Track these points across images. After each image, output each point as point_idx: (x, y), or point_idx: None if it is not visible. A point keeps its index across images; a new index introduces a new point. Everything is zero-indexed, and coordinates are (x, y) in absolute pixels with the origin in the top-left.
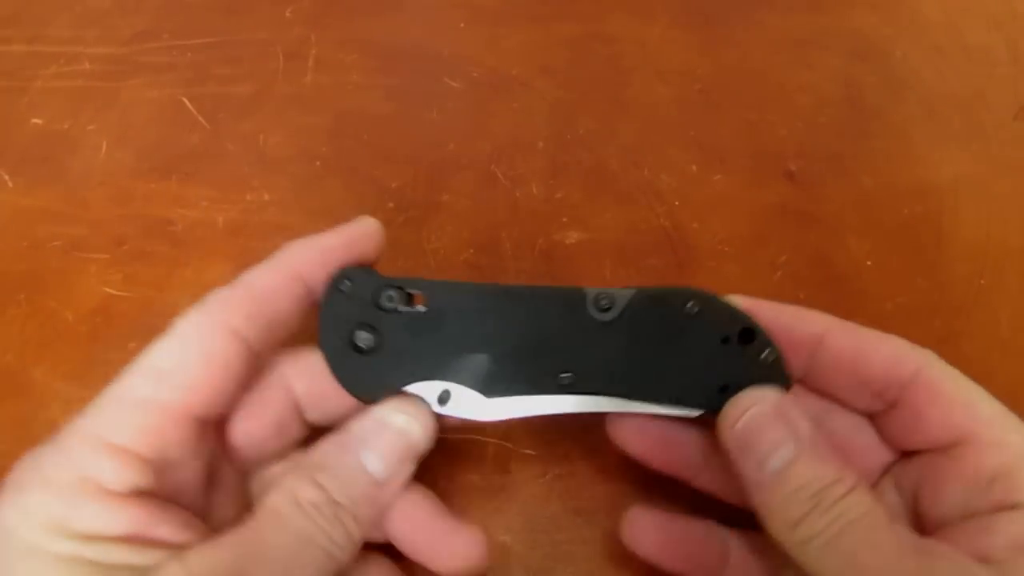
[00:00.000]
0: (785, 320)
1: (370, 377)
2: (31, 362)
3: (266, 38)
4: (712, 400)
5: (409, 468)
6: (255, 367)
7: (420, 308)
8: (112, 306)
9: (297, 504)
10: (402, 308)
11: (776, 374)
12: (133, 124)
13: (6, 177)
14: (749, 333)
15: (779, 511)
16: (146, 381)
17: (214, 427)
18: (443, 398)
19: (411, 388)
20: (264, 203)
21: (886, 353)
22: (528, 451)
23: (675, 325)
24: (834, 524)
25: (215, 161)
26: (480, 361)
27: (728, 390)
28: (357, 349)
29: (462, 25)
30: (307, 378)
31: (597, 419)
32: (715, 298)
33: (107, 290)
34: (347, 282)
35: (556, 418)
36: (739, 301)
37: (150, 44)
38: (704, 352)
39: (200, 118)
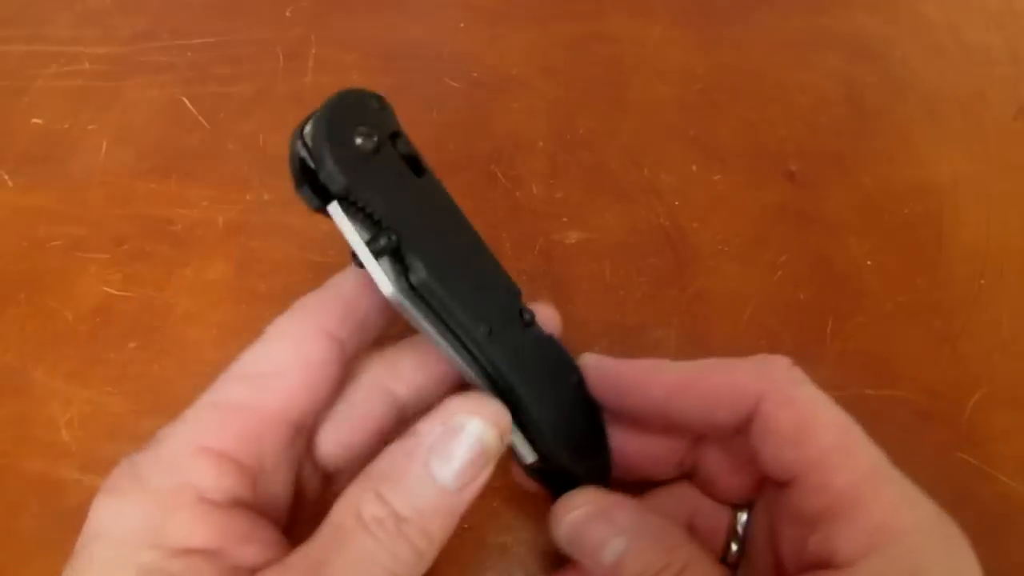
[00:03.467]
0: (633, 378)
1: (348, 175)
2: (31, 362)
3: (266, 38)
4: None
5: (485, 475)
6: (348, 371)
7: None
8: (112, 306)
9: (359, 519)
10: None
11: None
12: (133, 124)
13: (6, 177)
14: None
15: None
16: (243, 386)
17: (304, 435)
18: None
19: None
20: (264, 203)
21: (730, 394)
22: None
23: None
24: None
25: (215, 161)
26: (437, 248)
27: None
28: (351, 146)
29: (462, 25)
30: (405, 380)
31: None
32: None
33: (107, 290)
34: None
35: None
36: (594, 360)
37: (150, 44)
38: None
39: (200, 118)
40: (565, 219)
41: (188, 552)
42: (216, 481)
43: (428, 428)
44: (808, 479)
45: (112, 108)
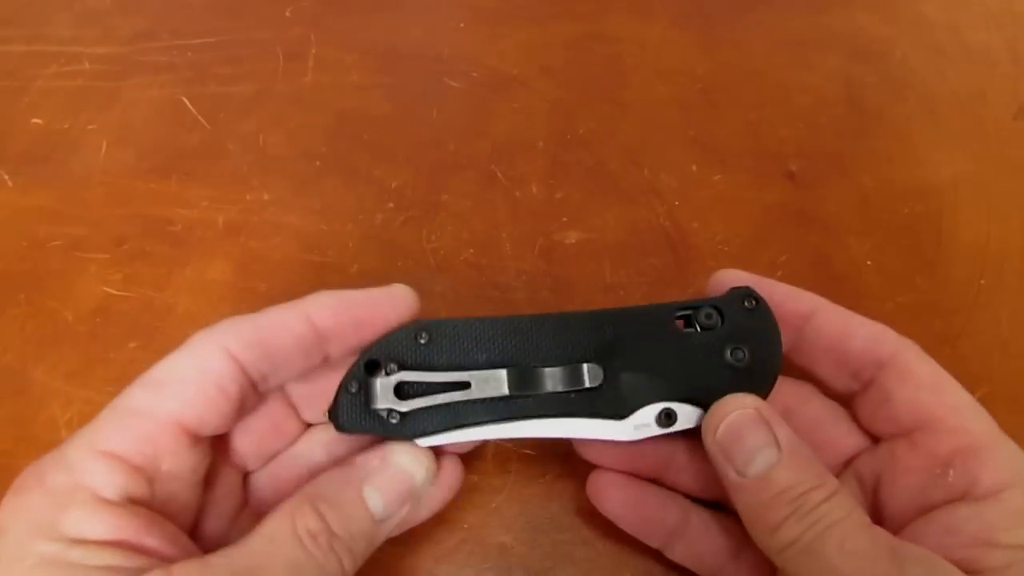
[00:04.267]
0: (777, 297)
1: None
2: (31, 362)
3: (266, 38)
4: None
5: (404, 511)
6: (254, 394)
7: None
8: (112, 306)
9: (293, 531)
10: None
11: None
12: (133, 124)
13: (6, 177)
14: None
15: (759, 516)
16: (143, 393)
17: (211, 444)
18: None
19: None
20: (264, 203)
21: (868, 333)
22: (528, 451)
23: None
24: (811, 530)
25: (215, 161)
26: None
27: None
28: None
29: (462, 25)
30: (302, 382)
31: None
32: None
33: (107, 290)
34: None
35: None
36: (737, 275)
37: (150, 44)
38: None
39: (200, 118)
40: (565, 219)
41: (85, 542)
42: (109, 480)
43: (365, 460)
44: (946, 422)
45: (112, 108)
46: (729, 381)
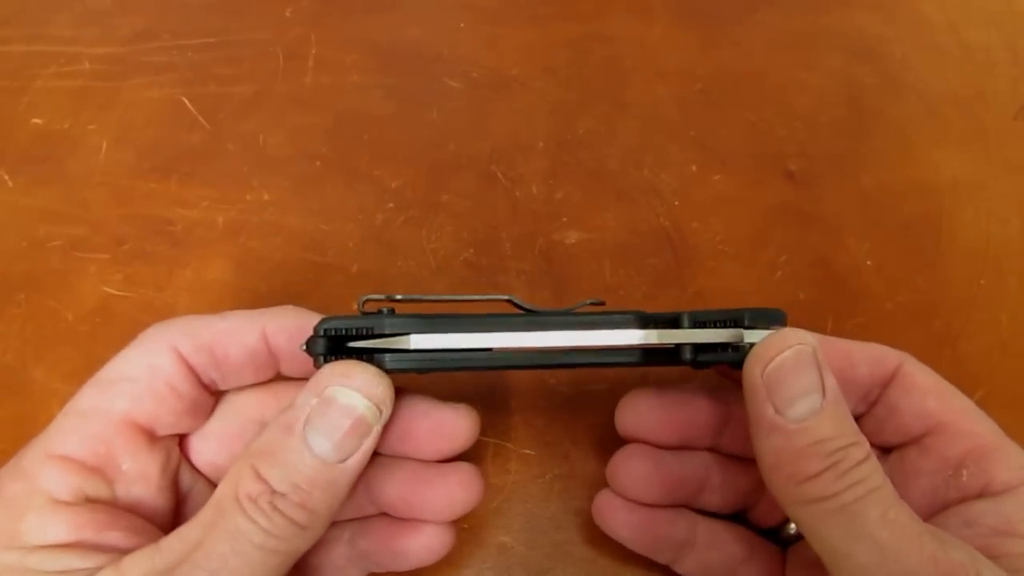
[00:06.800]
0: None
1: None
2: (31, 362)
3: (266, 38)
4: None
5: (367, 442)
6: (207, 395)
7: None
8: (112, 306)
9: (235, 499)
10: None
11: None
12: (133, 124)
13: (6, 177)
14: None
15: (787, 463)
16: (94, 393)
17: (176, 445)
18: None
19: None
20: (264, 203)
21: (869, 356)
22: (528, 451)
23: None
24: (851, 491)
25: (215, 161)
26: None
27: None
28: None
29: (462, 25)
30: (266, 403)
31: (597, 419)
32: None
33: (107, 290)
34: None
35: (556, 417)
36: None
37: (150, 44)
38: None
39: (200, 118)
40: (565, 219)
41: (44, 547)
42: (63, 482)
43: (303, 400)
44: (955, 425)
45: (112, 108)
46: (747, 313)
